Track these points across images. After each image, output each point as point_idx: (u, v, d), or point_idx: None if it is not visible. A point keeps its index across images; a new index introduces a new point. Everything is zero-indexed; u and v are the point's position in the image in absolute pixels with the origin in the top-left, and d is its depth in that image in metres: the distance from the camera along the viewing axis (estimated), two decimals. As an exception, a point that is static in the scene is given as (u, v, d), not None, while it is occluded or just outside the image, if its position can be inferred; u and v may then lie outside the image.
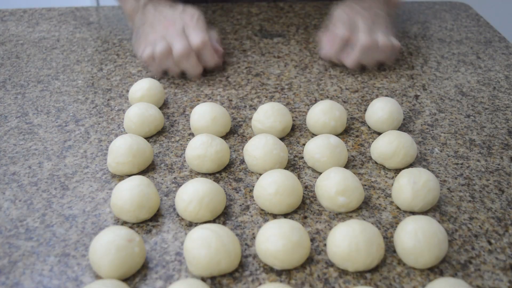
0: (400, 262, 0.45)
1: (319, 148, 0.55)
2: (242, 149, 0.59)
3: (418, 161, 0.58)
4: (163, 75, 0.75)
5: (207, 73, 0.75)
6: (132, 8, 0.79)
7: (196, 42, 0.70)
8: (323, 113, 0.60)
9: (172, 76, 0.75)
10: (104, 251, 0.42)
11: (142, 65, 0.78)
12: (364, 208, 0.51)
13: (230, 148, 0.60)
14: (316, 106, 0.62)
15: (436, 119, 0.65)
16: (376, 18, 0.75)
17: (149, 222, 0.50)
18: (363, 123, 0.65)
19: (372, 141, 0.60)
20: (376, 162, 0.58)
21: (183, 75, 0.74)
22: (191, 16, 0.73)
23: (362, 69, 0.77)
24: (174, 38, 0.70)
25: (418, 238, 0.43)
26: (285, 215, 0.50)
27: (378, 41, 0.73)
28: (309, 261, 0.46)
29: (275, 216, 0.50)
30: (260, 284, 0.43)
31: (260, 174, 0.55)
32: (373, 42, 0.72)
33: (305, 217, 0.50)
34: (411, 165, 0.57)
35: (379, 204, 0.52)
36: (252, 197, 0.53)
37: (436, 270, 0.45)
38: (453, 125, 0.64)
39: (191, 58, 0.71)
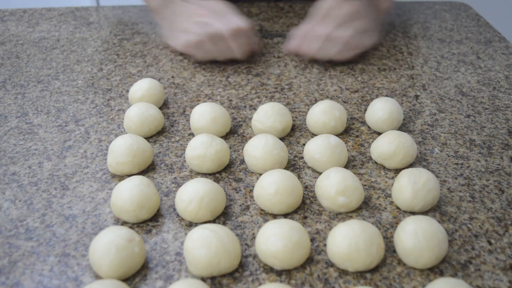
0: (400, 262, 0.45)
1: (319, 148, 0.55)
2: (242, 149, 0.59)
3: (418, 161, 0.58)
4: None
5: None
6: (158, 2, 0.81)
7: (243, 23, 0.73)
8: (323, 113, 0.60)
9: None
10: (104, 251, 0.42)
11: (142, 65, 0.78)
12: (364, 208, 0.51)
13: (230, 148, 0.60)
14: (316, 106, 0.62)
15: (436, 119, 0.65)
16: (356, 13, 0.74)
17: (149, 222, 0.50)
18: (363, 123, 0.65)
19: (372, 141, 0.60)
20: (376, 162, 0.58)
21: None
22: (224, 4, 0.75)
23: (315, 61, 0.78)
24: (217, 21, 0.72)
25: (418, 238, 0.43)
26: (285, 215, 0.50)
27: (338, 33, 0.73)
28: (309, 261, 0.46)
29: (275, 216, 0.50)
30: (260, 284, 0.43)
31: (260, 174, 0.55)
32: (330, 33, 0.73)
33: (305, 217, 0.50)
34: (411, 165, 0.57)
35: (379, 204, 0.52)
36: (252, 197, 0.53)
37: (436, 270, 0.45)
38: (453, 125, 0.64)
39: (240, 38, 0.73)
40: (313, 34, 0.74)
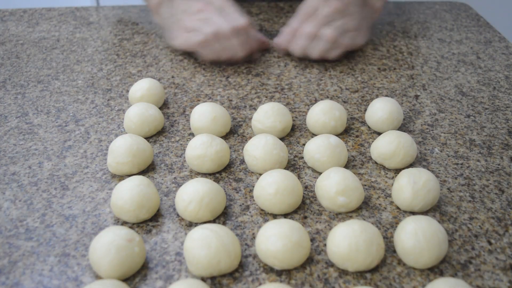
0: (400, 262, 0.45)
1: (319, 148, 0.55)
2: (242, 149, 0.59)
3: (418, 161, 0.58)
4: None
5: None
6: (157, 1, 0.80)
7: (243, 21, 0.72)
8: (323, 113, 0.60)
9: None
10: (104, 251, 0.42)
11: (142, 65, 0.78)
12: (364, 208, 0.51)
13: (230, 148, 0.60)
14: (316, 106, 0.62)
15: (436, 119, 0.65)
16: (343, 10, 0.74)
17: (149, 222, 0.50)
18: (363, 123, 0.65)
19: (372, 141, 0.60)
20: (376, 162, 0.58)
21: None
22: (223, 0, 0.74)
23: (305, 59, 0.79)
24: (217, 19, 0.71)
25: (418, 238, 0.43)
26: (285, 215, 0.50)
27: (324, 32, 0.73)
28: (309, 261, 0.46)
29: (275, 216, 0.50)
30: (260, 284, 0.43)
31: (260, 174, 0.55)
32: (316, 32, 0.73)
33: (305, 217, 0.50)
34: (411, 165, 0.57)
35: (379, 204, 0.52)
36: (252, 197, 0.53)
37: (436, 270, 0.45)
38: (453, 125, 0.64)
39: (241, 36, 0.72)
40: (300, 32, 0.75)
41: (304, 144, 0.60)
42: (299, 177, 0.56)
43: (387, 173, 0.56)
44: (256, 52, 0.79)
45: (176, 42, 0.79)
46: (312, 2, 0.75)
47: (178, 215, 0.50)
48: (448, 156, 0.59)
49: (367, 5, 0.80)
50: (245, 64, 0.78)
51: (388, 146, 0.55)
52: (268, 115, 0.60)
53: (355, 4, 0.76)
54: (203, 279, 0.44)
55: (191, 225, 0.49)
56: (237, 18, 0.72)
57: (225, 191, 0.53)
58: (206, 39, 0.72)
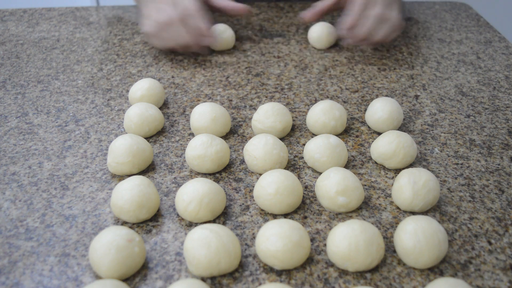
0: (400, 262, 0.45)
1: (319, 148, 0.55)
2: (242, 149, 0.59)
3: (418, 161, 0.58)
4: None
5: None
6: None
7: (191, 6, 0.73)
8: (323, 113, 0.60)
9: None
10: (104, 251, 0.42)
11: (142, 65, 0.78)
12: (364, 208, 0.51)
13: (230, 148, 0.60)
14: (316, 106, 0.62)
15: (436, 119, 0.65)
16: None
17: (149, 222, 0.50)
18: (363, 123, 0.65)
19: (372, 141, 0.60)
20: (376, 162, 0.58)
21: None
22: None
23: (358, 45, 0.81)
24: (167, 8, 0.73)
25: (418, 238, 0.43)
26: (285, 215, 0.50)
27: (392, 14, 0.75)
28: (309, 261, 0.46)
29: (275, 216, 0.50)
30: (260, 284, 0.43)
31: (260, 174, 0.55)
32: (384, 14, 0.74)
33: (305, 217, 0.50)
34: (411, 165, 0.57)
35: (379, 204, 0.52)
36: (252, 197, 0.53)
37: (436, 270, 0.45)
38: (453, 125, 0.64)
39: (189, 23, 0.73)
40: (368, 15, 0.75)
41: (304, 144, 0.60)
42: (299, 177, 0.56)
43: (387, 173, 0.56)
44: (207, 41, 0.77)
45: (141, 29, 0.81)
46: None
47: (178, 215, 0.50)
48: (448, 156, 0.59)
49: None
50: (245, 64, 0.78)
51: (388, 146, 0.55)
52: (268, 115, 0.60)
53: None
54: (203, 279, 0.44)
55: (191, 225, 0.49)
56: (186, 6, 0.73)
57: (225, 191, 0.53)
58: (155, 29, 0.75)
